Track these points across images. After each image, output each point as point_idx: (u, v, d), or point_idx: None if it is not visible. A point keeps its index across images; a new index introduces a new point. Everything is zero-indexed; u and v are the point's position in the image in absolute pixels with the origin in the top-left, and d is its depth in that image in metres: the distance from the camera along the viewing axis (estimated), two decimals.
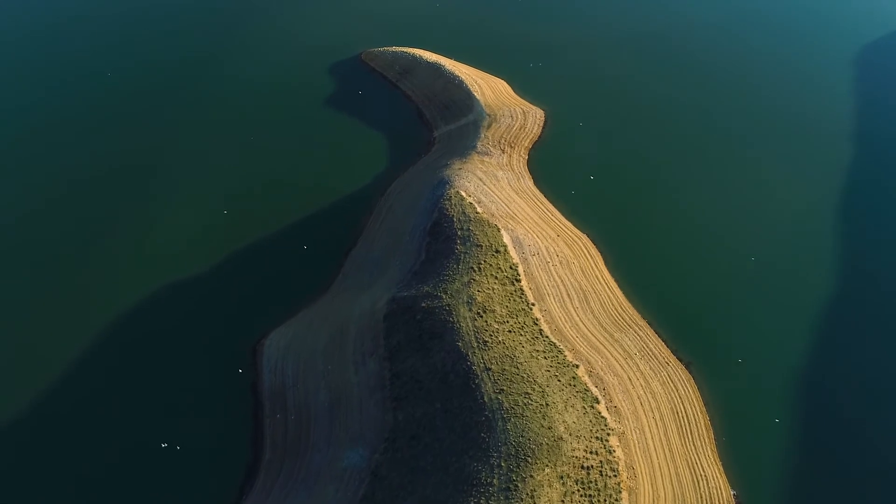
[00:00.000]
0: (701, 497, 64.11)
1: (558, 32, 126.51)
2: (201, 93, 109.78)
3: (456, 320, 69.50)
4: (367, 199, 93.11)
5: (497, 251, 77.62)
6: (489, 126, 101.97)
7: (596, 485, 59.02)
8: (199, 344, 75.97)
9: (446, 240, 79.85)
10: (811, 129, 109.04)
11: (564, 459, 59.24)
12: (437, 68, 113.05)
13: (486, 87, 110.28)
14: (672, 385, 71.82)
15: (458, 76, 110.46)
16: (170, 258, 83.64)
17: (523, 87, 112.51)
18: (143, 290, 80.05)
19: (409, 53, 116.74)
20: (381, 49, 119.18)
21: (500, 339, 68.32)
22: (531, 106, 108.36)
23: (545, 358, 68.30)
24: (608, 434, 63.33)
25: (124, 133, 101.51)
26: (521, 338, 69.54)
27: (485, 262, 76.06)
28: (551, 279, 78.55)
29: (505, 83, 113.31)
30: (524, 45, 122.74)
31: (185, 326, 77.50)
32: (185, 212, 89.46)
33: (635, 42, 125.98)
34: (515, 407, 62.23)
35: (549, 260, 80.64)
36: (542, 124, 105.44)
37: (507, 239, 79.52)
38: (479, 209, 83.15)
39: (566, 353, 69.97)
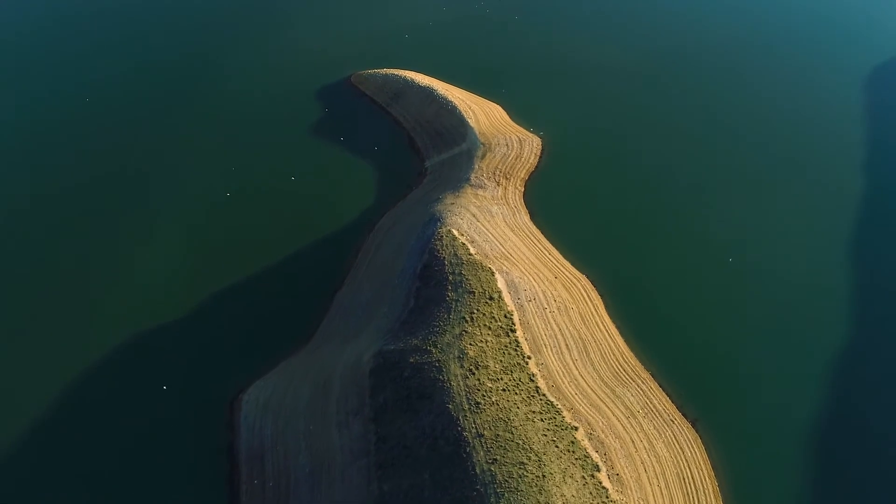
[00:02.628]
0: None
1: (556, 54, 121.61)
2: (181, 118, 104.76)
3: (446, 378, 64.77)
4: (354, 236, 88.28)
5: (491, 298, 72.92)
6: (483, 156, 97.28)
7: None
8: (172, 398, 71.08)
9: (437, 285, 75.13)
10: (827, 163, 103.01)
11: None
12: (429, 92, 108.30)
13: (481, 112, 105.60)
14: (678, 446, 67.16)
15: (451, 101, 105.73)
16: (141, 301, 78.59)
17: (519, 113, 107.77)
18: (110, 337, 75.08)
19: (401, 76, 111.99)
20: (372, 71, 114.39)
21: (493, 399, 63.56)
22: (528, 133, 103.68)
23: (542, 420, 63.56)
24: None
25: (98, 159, 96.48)
26: (515, 397, 64.80)
27: (477, 310, 71.35)
28: (548, 328, 73.87)
29: (500, 108, 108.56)
30: (521, 68, 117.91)
31: (158, 378, 72.49)
32: (158, 249, 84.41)
33: (639, 65, 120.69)
34: (510, 480, 57.51)
35: (546, 306, 75.95)
36: (538, 153, 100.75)
37: (501, 284, 74.82)
38: (472, 250, 78.45)
39: (564, 413, 65.24)
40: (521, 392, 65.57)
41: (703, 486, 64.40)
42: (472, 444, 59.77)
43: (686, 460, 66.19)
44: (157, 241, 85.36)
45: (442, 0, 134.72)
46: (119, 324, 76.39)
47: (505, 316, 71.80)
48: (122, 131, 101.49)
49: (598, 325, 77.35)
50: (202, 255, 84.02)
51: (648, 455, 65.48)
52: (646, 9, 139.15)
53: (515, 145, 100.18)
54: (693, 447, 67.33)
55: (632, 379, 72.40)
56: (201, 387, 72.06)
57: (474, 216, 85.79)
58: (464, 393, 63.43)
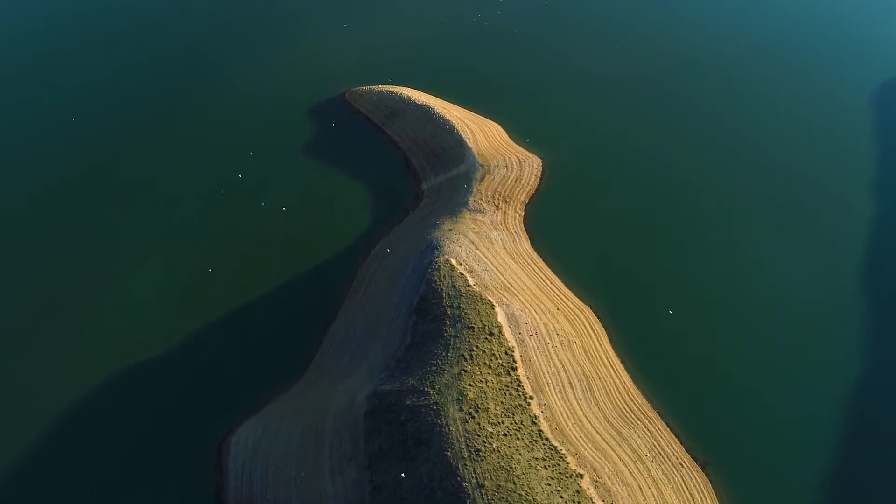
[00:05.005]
0: None
1: (558, 69, 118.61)
2: (171, 136, 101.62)
3: (445, 423, 61.59)
4: (348, 264, 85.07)
5: (491, 333, 69.80)
6: (482, 178, 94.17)
7: None
8: (158, 439, 67.79)
9: (434, 319, 72.00)
10: (835, 187, 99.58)
11: None
12: (426, 111, 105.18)
13: (479, 132, 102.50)
14: (688, 492, 64.04)
15: (449, 121, 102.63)
16: (126, 335, 75.40)
17: (519, 132, 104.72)
18: (94, 375, 71.86)
19: (397, 93, 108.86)
20: (367, 88, 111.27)
21: (494, 445, 60.40)
22: (528, 154, 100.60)
23: (545, 467, 60.41)
24: None
25: (85, 179, 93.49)
26: (517, 442, 61.63)
27: (477, 347, 68.22)
28: (551, 364, 70.75)
29: (499, 127, 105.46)
30: (521, 85, 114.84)
31: (143, 417, 69.31)
32: (146, 279, 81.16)
33: (643, 80, 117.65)
34: None
35: (548, 341, 72.84)
36: (539, 175, 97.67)
37: (501, 318, 71.72)
38: (470, 281, 75.34)
39: (569, 459, 62.10)
40: (524, 437, 62.42)
41: None
42: (471, 496, 56.64)
43: None
44: (142, 272, 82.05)
45: (439, 14, 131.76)
46: (103, 357, 73.28)
47: (506, 353, 68.70)
48: (110, 152, 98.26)
49: (602, 360, 74.26)
50: (189, 286, 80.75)
51: (657, 503, 62.37)
52: (649, 23, 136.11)
53: (515, 166, 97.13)
54: (703, 493, 64.27)
55: (638, 419, 69.29)
56: (189, 426, 68.91)
57: (473, 243, 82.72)
58: (463, 439, 60.28)
